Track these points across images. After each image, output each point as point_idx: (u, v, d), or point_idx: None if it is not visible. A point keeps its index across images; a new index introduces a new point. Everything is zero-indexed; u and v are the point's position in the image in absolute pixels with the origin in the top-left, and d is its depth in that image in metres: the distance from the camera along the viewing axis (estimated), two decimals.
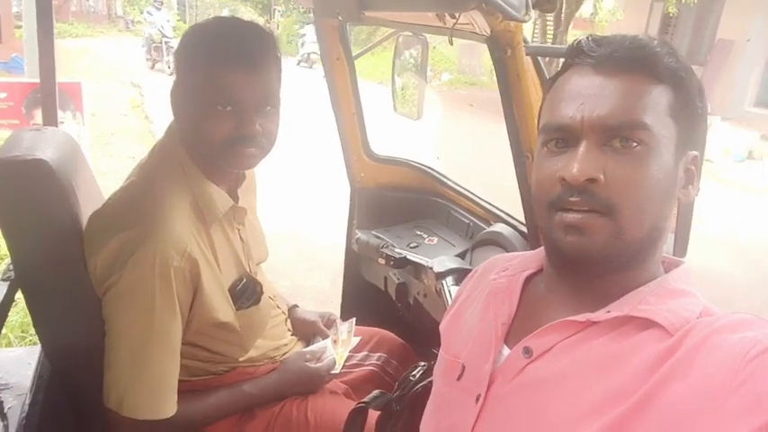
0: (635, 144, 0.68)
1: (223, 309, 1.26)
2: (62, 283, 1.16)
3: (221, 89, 1.14)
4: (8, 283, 1.32)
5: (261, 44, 1.19)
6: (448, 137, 8.47)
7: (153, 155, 1.27)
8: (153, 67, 13.89)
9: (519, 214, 1.57)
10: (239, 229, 1.35)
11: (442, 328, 0.96)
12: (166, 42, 13.46)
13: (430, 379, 0.96)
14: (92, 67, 12.20)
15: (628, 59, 0.70)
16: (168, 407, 1.19)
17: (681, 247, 0.92)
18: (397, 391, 1.05)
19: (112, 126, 7.82)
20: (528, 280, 0.85)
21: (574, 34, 13.76)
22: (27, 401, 1.26)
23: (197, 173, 1.24)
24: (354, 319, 1.68)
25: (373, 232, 2.10)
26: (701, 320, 0.67)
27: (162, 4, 14.64)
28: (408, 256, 1.85)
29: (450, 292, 1.61)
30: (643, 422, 0.62)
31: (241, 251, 1.34)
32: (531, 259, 0.88)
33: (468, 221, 1.97)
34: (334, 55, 1.97)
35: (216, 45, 1.16)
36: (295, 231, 4.76)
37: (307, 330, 1.64)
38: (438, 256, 1.78)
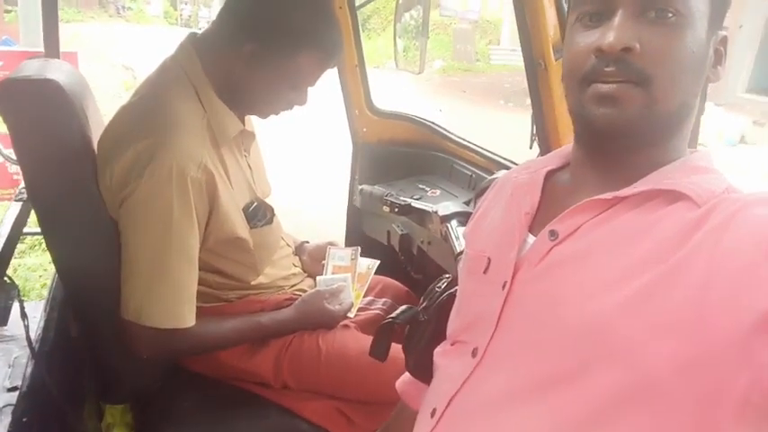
0: (670, 15, 0.67)
1: (239, 224, 1.28)
2: (74, 202, 1.16)
3: (316, 80, 1.32)
4: (21, 203, 1.32)
5: None
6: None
7: (164, 71, 1.27)
8: None
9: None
10: (246, 156, 1.37)
11: (465, 231, 0.96)
12: None
13: (455, 288, 0.96)
14: (84, 50, 12.08)
15: None
16: (188, 316, 1.19)
17: (691, 136, 0.92)
18: (424, 302, 1.05)
19: (106, 107, 7.69)
20: (550, 174, 0.85)
21: None
22: (40, 332, 1.25)
23: (211, 93, 1.25)
24: (378, 262, 1.72)
25: (376, 186, 2.11)
26: (728, 196, 0.67)
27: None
28: (413, 204, 1.86)
29: (456, 234, 1.62)
30: (672, 289, 0.61)
31: (250, 177, 1.36)
32: (551, 157, 0.88)
33: (470, 173, 1.99)
34: (336, 3, 1.97)
35: (336, 52, 1.31)
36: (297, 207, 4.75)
37: (320, 253, 1.67)
38: None
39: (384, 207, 1.92)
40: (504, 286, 0.77)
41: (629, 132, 0.70)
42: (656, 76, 0.67)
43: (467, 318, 0.84)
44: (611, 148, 0.74)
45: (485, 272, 0.82)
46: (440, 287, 1.03)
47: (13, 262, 3.15)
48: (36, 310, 1.50)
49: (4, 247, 1.19)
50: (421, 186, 2.07)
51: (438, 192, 2.02)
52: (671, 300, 0.61)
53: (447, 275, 1.04)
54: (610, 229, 0.70)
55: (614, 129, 0.70)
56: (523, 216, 0.81)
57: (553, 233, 0.74)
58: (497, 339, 0.76)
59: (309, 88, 1.34)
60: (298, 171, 5.82)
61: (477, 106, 11.21)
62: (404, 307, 1.04)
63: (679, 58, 0.68)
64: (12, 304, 1.01)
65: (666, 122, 0.71)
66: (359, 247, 1.70)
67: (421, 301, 1.04)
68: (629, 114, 0.68)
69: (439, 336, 0.95)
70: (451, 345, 0.88)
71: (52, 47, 1.69)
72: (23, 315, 1.02)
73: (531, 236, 0.79)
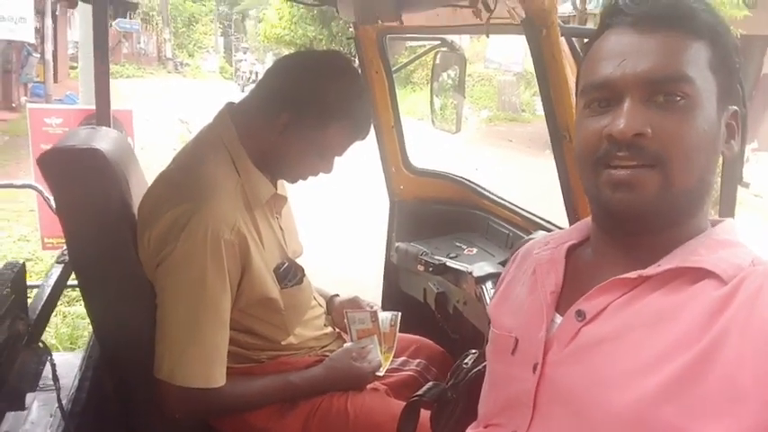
0: (678, 98, 0.68)
1: (270, 285, 1.31)
2: (113, 265, 1.21)
3: (344, 151, 1.37)
4: (62, 265, 1.37)
5: None
6: (485, 172, 8.47)
7: (201, 138, 1.33)
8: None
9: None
10: (278, 218, 1.41)
11: (490, 309, 0.95)
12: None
13: (483, 364, 0.95)
14: (142, 104, 12.67)
15: (666, 16, 0.70)
16: (219, 376, 1.22)
17: (727, 206, 0.90)
18: (451, 379, 1.03)
19: (162, 159, 8.04)
20: (571, 250, 0.85)
21: None
22: (73, 391, 1.28)
23: (246, 159, 1.30)
24: (399, 314, 1.69)
25: (413, 243, 2.11)
26: (754, 268, 0.66)
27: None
28: (447, 263, 1.85)
29: (490, 296, 1.60)
30: (708, 371, 0.61)
31: (281, 238, 1.39)
32: (571, 231, 0.88)
33: (507, 232, 1.97)
34: (372, 68, 2.02)
35: (365, 126, 1.37)
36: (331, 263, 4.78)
37: (349, 306, 1.65)
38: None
39: (419, 266, 1.91)
40: (535, 368, 0.76)
41: (647, 215, 0.70)
42: (671, 158, 0.68)
43: (499, 400, 0.83)
44: (631, 230, 0.74)
45: (513, 353, 0.82)
46: (466, 363, 1.01)
47: (63, 310, 3.27)
48: (77, 359, 1.54)
49: (40, 313, 1.24)
50: (458, 244, 2.06)
51: (474, 250, 2.00)
52: (706, 382, 0.61)
53: (473, 351, 1.03)
54: (638, 311, 0.70)
55: (632, 212, 0.70)
56: (549, 295, 0.80)
57: (580, 313, 0.74)
58: (537, 424, 0.75)
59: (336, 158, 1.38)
60: (336, 227, 5.88)
61: (523, 155, 11.19)
62: (430, 384, 1.03)
63: (691, 138, 0.68)
64: (43, 369, 1.05)
65: (684, 202, 0.71)
66: (377, 309, 1.68)
67: (448, 377, 1.03)
68: (645, 198, 0.69)
69: (468, 415, 0.94)
70: (485, 427, 0.86)
71: (103, 113, 1.78)
72: (55, 378, 1.05)
73: (558, 316, 0.78)
